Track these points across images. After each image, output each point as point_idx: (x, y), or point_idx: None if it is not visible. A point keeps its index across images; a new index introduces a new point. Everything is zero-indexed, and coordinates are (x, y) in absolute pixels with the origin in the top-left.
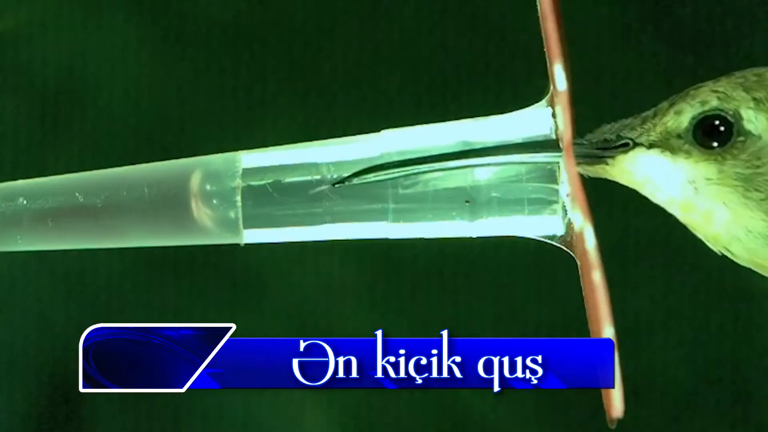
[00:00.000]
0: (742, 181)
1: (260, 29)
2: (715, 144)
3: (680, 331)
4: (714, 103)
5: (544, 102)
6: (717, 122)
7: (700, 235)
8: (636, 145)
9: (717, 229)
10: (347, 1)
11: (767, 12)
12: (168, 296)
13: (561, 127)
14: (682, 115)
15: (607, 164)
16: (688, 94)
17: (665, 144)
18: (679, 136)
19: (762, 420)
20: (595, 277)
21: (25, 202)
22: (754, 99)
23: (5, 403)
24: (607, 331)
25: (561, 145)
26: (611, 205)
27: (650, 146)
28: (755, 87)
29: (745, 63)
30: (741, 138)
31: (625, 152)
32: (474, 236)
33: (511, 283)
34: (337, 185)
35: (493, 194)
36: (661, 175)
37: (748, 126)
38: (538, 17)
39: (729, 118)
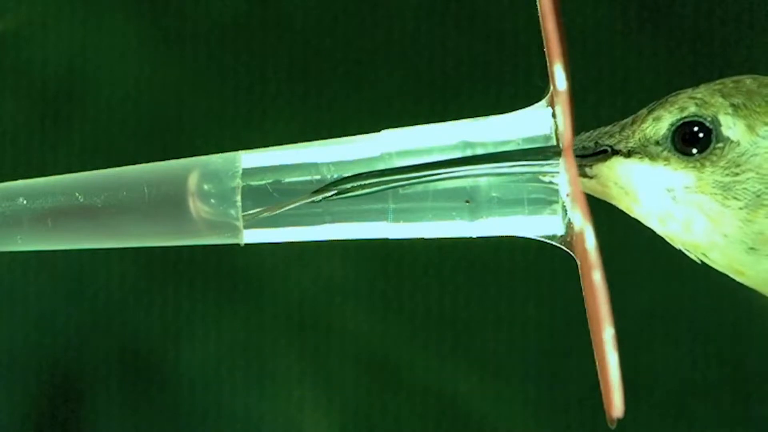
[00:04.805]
0: (721, 188)
1: (260, 29)
2: (694, 151)
3: (680, 331)
4: (692, 109)
5: (544, 102)
6: (696, 128)
7: (678, 246)
8: (614, 152)
9: (695, 237)
10: (347, 1)
11: (767, 12)
12: (168, 296)
13: (561, 127)
14: (660, 122)
15: (587, 176)
16: (667, 101)
17: (644, 151)
18: (657, 143)
19: (762, 420)
20: (595, 277)
21: (25, 202)
22: (732, 105)
23: (5, 403)
24: (607, 331)
25: (561, 144)
26: (611, 204)
27: (629, 153)
28: (733, 93)
29: (745, 63)
30: (720, 144)
31: (604, 160)
32: (474, 236)
33: (511, 283)
34: (327, 197)
35: (493, 194)
36: (640, 183)
37: (727, 132)
38: (538, 17)
39: (707, 124)
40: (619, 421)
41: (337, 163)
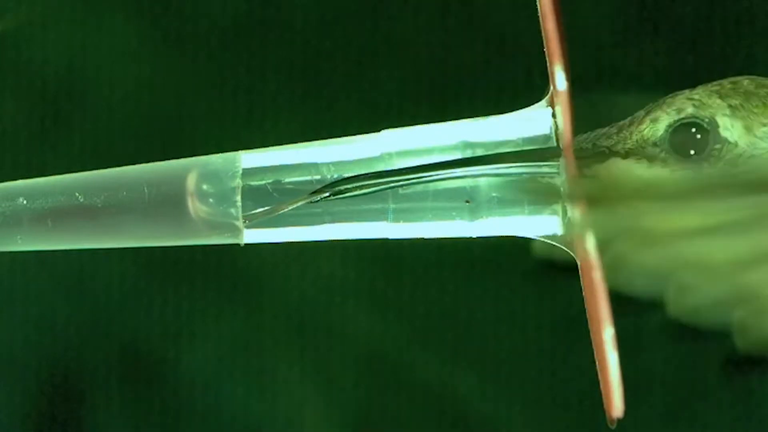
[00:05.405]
0: None
1: (260, 29)
2: (692, 152)
3: (680, 331)
4: (690, 110)
5: (544, 102)
6: (693, 130)
7: None
8: (612, 153)
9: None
10: (347, 1)
11: (767, 12)
12: (168, 296)
13: (561, 127)
14: (658, 123)
15: (585, 177)
16: (664, 102)
17: (641, 152)
18: (655, 144)
19: (762, 420)
20: (595, 277)
21: (25, 202)
22: (730, 106)
23: (5, 403)
24: (607, 331)
25: (560, 145)
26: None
27: (626, 154)
28: (731, 94)
29: (746, 63)
30: (717, 145)
31: (602, 161)
32: (474, 236)
33: (511, 283)
34: (326, 197)
35: (493, 194)
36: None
37: (724, 133)
38: (538, 17)
39: (705, 125)
40: (619, 421)
41: (337, 163)
